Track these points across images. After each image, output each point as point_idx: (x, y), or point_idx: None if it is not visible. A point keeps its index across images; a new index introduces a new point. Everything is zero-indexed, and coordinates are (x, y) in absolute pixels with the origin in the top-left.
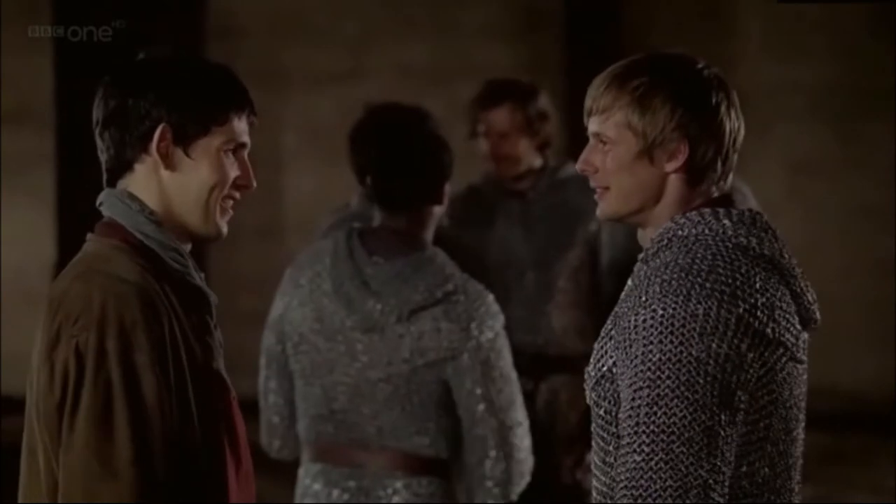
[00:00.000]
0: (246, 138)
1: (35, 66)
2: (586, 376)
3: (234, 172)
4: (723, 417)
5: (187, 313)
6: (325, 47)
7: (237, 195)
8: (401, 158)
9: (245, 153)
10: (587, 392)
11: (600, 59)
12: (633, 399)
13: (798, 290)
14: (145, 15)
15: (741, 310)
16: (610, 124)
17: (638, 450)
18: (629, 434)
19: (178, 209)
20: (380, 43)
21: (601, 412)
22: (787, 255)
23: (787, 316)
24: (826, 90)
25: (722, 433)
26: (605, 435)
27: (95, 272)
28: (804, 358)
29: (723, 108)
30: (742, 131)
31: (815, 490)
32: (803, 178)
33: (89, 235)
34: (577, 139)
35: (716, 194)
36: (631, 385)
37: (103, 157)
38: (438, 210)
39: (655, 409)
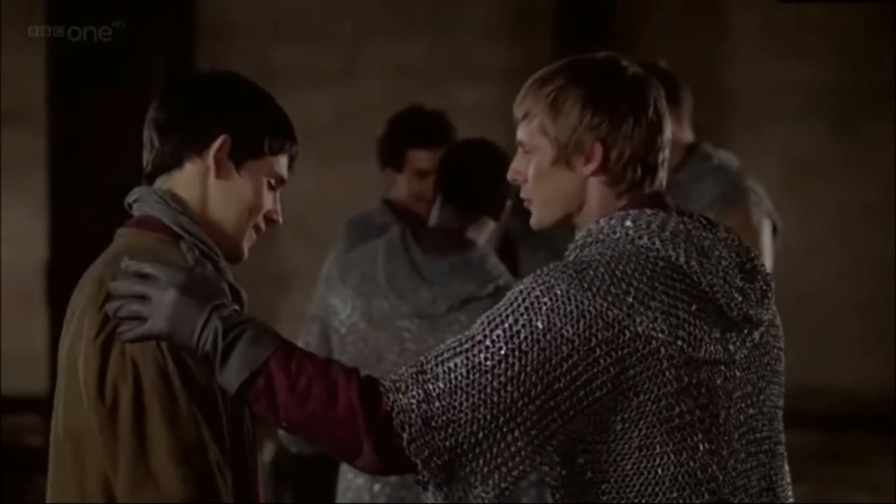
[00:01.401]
0: (286, 175)
1: (30, 65)
2: None
3: (269, 203)
4: (530, 389)
5: None
6: (320, 46)
7: (263, 227)
8: (479, 162)
9: (279, 190)
10: None
11: None
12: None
13: (711, 291)
14: (139, 13)
15: (608, 303)
16: (528, 131)
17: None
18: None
19: (215, 219)
20: (375, 42)
21: None
22: (697, 258)
23: (683, 316)
24: (824, 89)
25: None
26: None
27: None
28: (727, 359)
29: (638, 108)
30: (667, 131)
31: (811, 489)
32: (801, 178)
33: (121, 230)
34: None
35: (645, 193)
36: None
37: (151, 154)
38: (492, 225)
39: (479, 331)
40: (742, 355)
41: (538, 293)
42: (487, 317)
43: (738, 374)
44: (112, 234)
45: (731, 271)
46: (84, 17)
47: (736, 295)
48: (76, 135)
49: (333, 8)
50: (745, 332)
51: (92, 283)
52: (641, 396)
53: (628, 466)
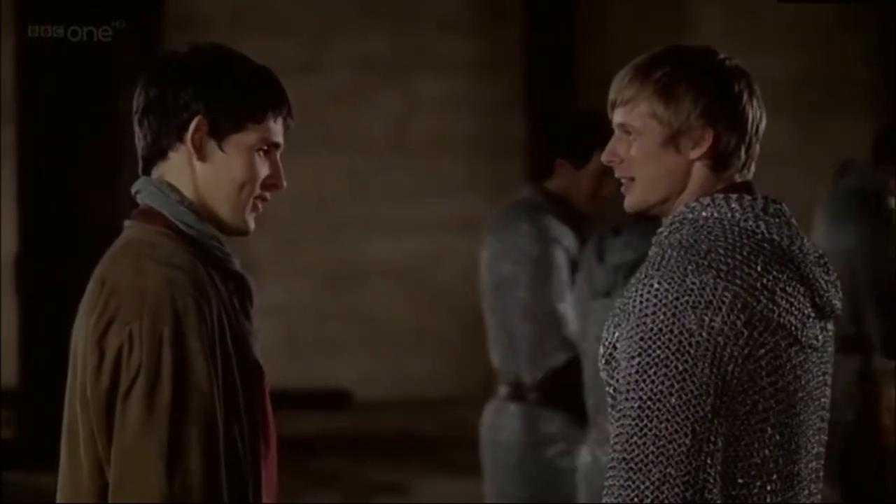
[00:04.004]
0: (280, 139)
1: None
2: (598, 356)
3: (264, 171)
4: (712, 389)
5: (231, 299)
6: (284, 39)
7: (267, 195)
8: None
9: (278, 154)
10: (601, 372)
11: (559, 52)
12: (627, 367)
13: (810, 277)
14: (105, 5)
15: (738, 287)
16: (635, 115)
17: (627, 414)
18: (621, 400)
19: (209, 201)
20: (339, 35)
21: (611, 391)
22: (798, 243)
23: (792, 300)
24: (791, 84)
25: (710, 404)
26: (613, 412)
27: (146, 258)
28: (819, 345)
29: (745, 97)
30: (764, 120)
31: None
32: (769, 172)
33: (127, 222)
34: (535, 131)
35: (738, 181)
36: (626, 355)
37: (140, 145)
38: None
39: (645, 376)
40: (821, 343)
41: (674, 291)
42: (631, 342)
43: (818, 361)
44: (81, 227)
45: (817, 260)
46: (52, 11)
47: (822, 283)
48: (46, 128)
49: (297, 1)
50: (824, 322)
51: (94, 282)
52: (766, 379)
53: (739, 450)
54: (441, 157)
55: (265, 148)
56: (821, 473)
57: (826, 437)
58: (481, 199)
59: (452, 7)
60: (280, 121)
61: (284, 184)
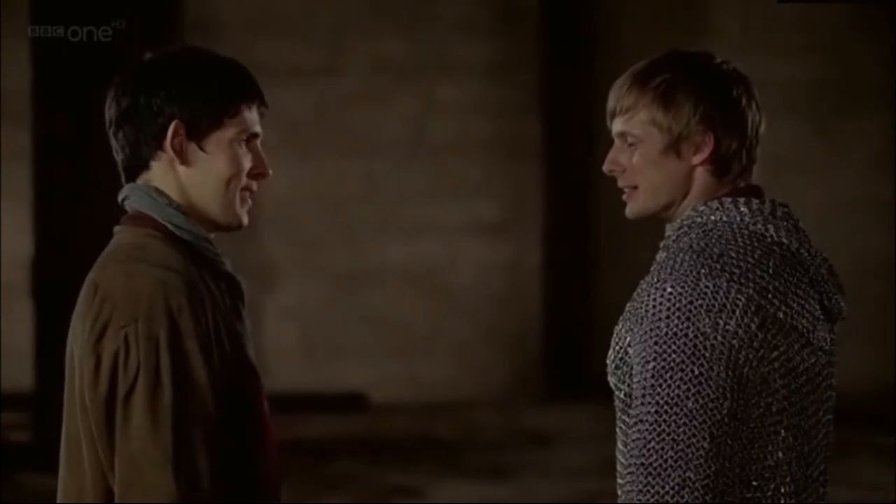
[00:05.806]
0: (258, 128)
1: (14, 62)
2: (607, 362)
3: (248, 163)
4: (728, 392)
5: (223, 300)
6: (300, 42)
7: (254, 185)
8: None
9: (258, 142)
10: (609, 378)
11: (576, 55)
12: (642, 372)
13: (819, 280)
14: (121, 9)
15: (751, 290)
16: (635, 122)
17: (643, 419)
18: (637, 405)
19: (198, 202)
20: (356, 38)
21: (621, 395)
22: (807, 246)
23: (803, 303)
24: (805, 86)
25: (727, 407)
26: (626, 418)
27: (137, 261)
28: (827, 347)
29: (744, 100)
30: (763, 123)
31: None
32: (783, 174)
33: (117, 228)
34: (552, 134)
35: (742, 185)
36: (640, 359)
37: (119, 157)
38: None
39: (661, 380)
40: (829, 346)
41: (687, 294)
42: (645, 346)
43: (827, 364)
44: (96, 230)
45: (824, 262)
46: (70, 16)
47: (831, 285)
48: (61, 130)
49: (313, 3)
50: (832, 324)
51: (86, 288)
52: (779, 381)
53: (754, 452)
54: (457, 160)
55: (245, 139)
56: (828, 476)
57: (833, 441)
58: (497, 202)
59: (468, 9)
60: (255, 109)
61: (270, 172)
